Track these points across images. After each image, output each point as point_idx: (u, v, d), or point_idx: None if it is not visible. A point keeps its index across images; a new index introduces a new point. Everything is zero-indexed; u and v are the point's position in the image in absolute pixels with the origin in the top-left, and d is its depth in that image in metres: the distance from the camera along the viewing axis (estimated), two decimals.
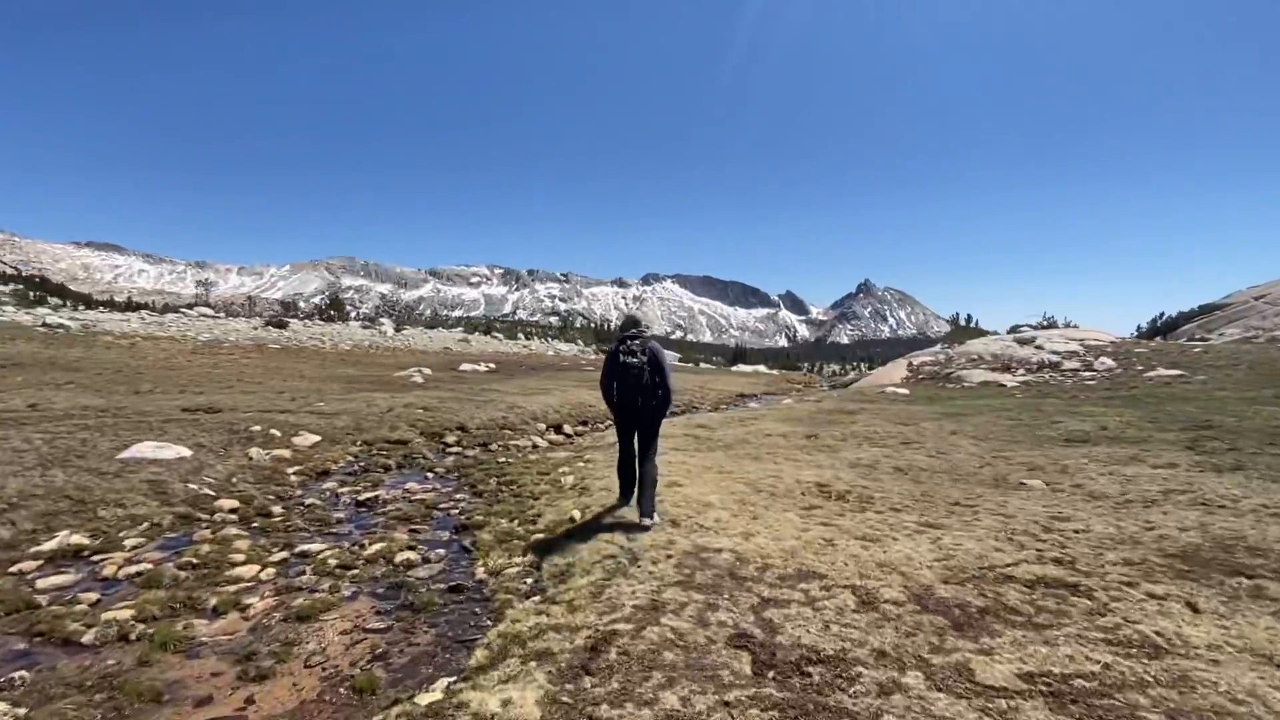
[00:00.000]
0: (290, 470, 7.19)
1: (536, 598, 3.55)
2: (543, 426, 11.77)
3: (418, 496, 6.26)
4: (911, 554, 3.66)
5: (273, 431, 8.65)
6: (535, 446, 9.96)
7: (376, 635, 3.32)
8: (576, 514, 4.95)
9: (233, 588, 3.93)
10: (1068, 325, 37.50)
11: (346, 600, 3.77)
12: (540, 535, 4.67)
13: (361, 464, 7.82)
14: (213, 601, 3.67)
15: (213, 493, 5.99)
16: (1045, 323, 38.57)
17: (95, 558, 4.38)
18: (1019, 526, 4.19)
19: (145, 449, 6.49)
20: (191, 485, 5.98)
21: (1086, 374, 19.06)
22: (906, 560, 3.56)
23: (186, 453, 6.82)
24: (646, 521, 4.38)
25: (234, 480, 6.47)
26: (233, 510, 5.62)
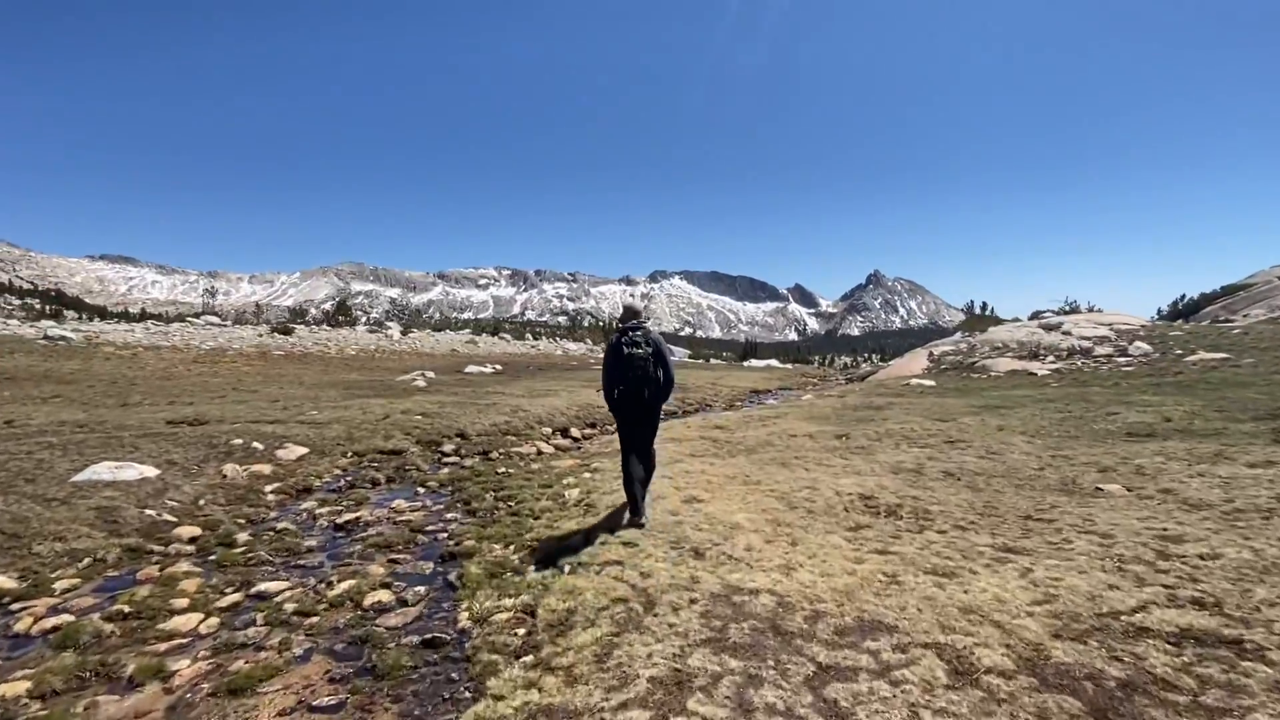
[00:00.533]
0: (268, 488, 6.53)
1: (529, 658, 2.82)
2: (548, 431, 11.06)
3: (404, 517, 5.56)
4: (1001, 594, 2.88)
5: (255, 445, 8.01)
6: (539, 453, 9.26)
7: (323, 717, 2.61)
8: (581, 540, 4.22)
9: (164, 646, 3.23)
10: (1091, 310, 36.17)
11: (297, 662, 3.06)
12: (538, 567, 3.94)
13: (349, 479, 7.15)
14: (131, 668, 2.97)
15: (174, 519, 5.33)
16: (1068, 307, 37.19)
17: (16, 606, 3.71)
18: (1125, 551, 3.38)
19: (102, 470, 5.85)
20: (149, 511, 5.32)
21: (1122, 360, 18.02)
22: (997, 603, 2.79)
23: (151, 473, 6.17)
24: (641, 520, 4.38)
25: (201, 503, 5.80)
26: (192, 539, 4.95)
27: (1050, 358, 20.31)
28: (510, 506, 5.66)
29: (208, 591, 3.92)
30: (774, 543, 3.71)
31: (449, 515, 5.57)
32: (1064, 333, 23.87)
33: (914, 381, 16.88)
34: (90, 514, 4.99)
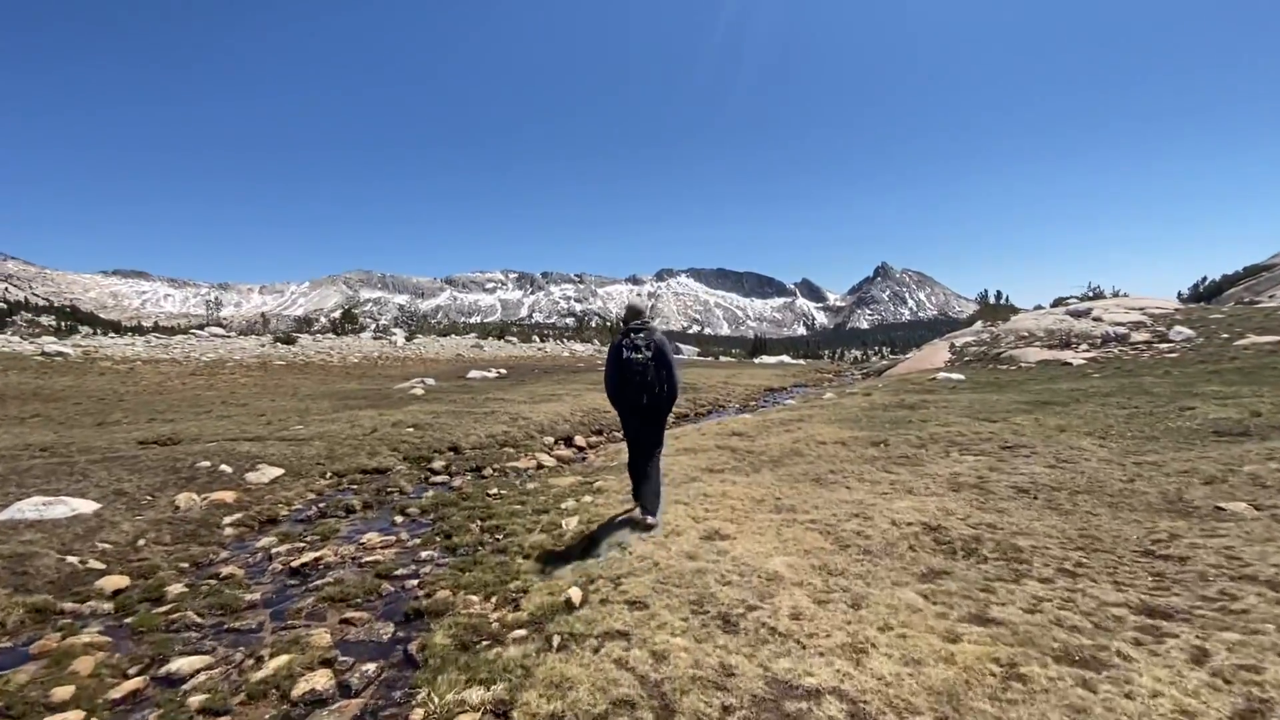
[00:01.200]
0: (227, 520, 5.71)
1: None
2: (550, 441, 10.21)
3: (373, 556, 4.71)
4: (1183, 698, 1.96)
5: (223, 468, 7.21)
6: (539, 468, 8.41)
7: None
8: (575, 593, 3.33)
9: None
10: (1116, 295, 34.73)
11: None
12: (520, 635, 3.07)
13: (321, 505, 6.32)
14: None
15: (100, 566, 4.52)
16: (1091, 293, 35.74)
17: None
18: None
19: (28, 507, 5.05)
20: (71, 558, 4.50)
21: (1164, 346, 16.87)
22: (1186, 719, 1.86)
23: (88, 508, 5.37)
24: (650, 520, 4.28)
25: (140, 543, 4.99)
26: (116, 593, 4.13)
27: (1084, 346, 19.16)
28: (497, 540, 4.79)
29: (104, 673, 3.09)
30: (828, 604, 2.80)
31: (425, 553, 4.71)
32: (1094, 319, 22.65)
33: (940, 376, 15.83)
34: None
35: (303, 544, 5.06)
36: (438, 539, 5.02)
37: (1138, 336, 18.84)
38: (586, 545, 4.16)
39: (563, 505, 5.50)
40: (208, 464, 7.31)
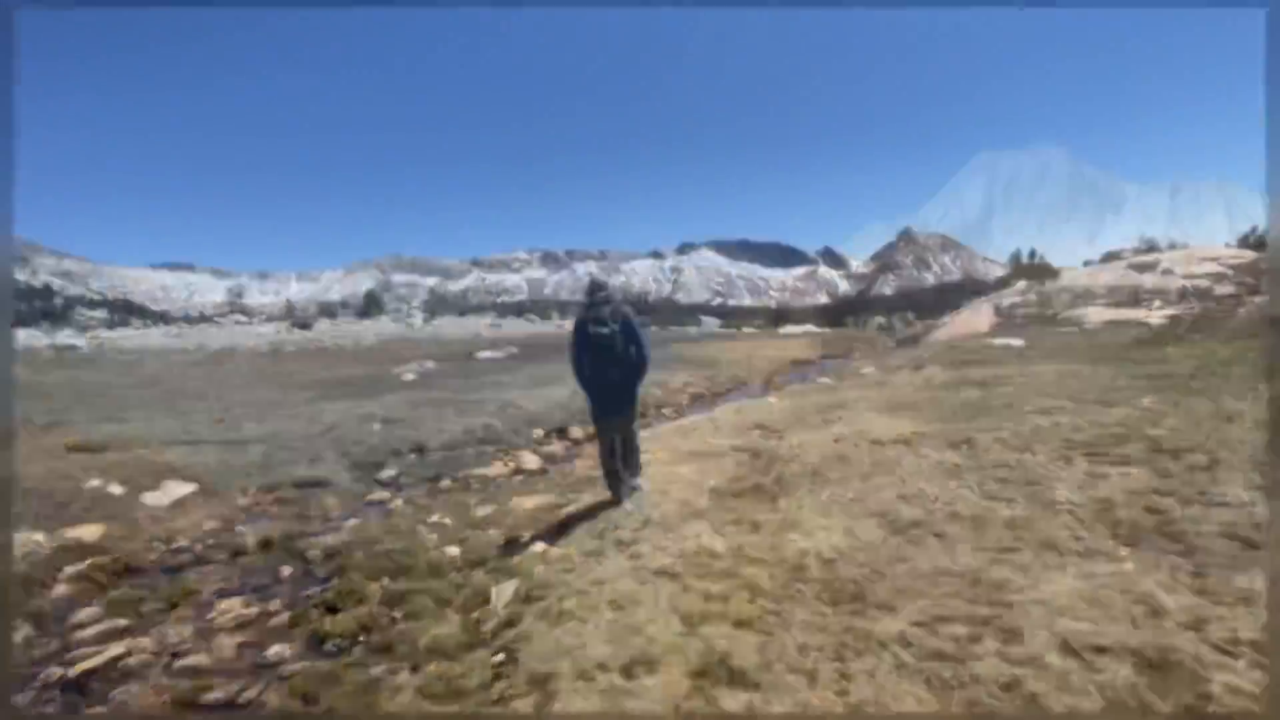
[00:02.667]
0: (66, 573, 4.22)
1: None
2: (538, 434, 8.58)
3: (202, 655, 3.10)
4: None
5: (112, 488, 5.77)
6: (517, 472, 6.83)
7: None
8: None
9: None
10: (1172, 247, 30.97)
11: None
12: None
13: (210, 543, 4.80)
14: None
15: None
16: (1145, 246, 32.08)
17: None
18: None
19: None
20: None
21: (1264, 300, 14.25)
22: None
23: None
24: (635, 482, 4.32)
25: None
26: None
27: (1158, 303, 16.55)
28: (392, 625, 3.14)
29: None
30: None
31: (277, 647, 3.07)
32: (1163, 273, 19.75)
33: (997, 342, 13.58)
34: None
35: (129, 620, 3.50)
36: (314, 613, 3.39)
37: (1223, 290, 16.12)
38: (504, 660, 2.45)
39: (510, 559, 3.80)
40: (98, 483, 5.87)
